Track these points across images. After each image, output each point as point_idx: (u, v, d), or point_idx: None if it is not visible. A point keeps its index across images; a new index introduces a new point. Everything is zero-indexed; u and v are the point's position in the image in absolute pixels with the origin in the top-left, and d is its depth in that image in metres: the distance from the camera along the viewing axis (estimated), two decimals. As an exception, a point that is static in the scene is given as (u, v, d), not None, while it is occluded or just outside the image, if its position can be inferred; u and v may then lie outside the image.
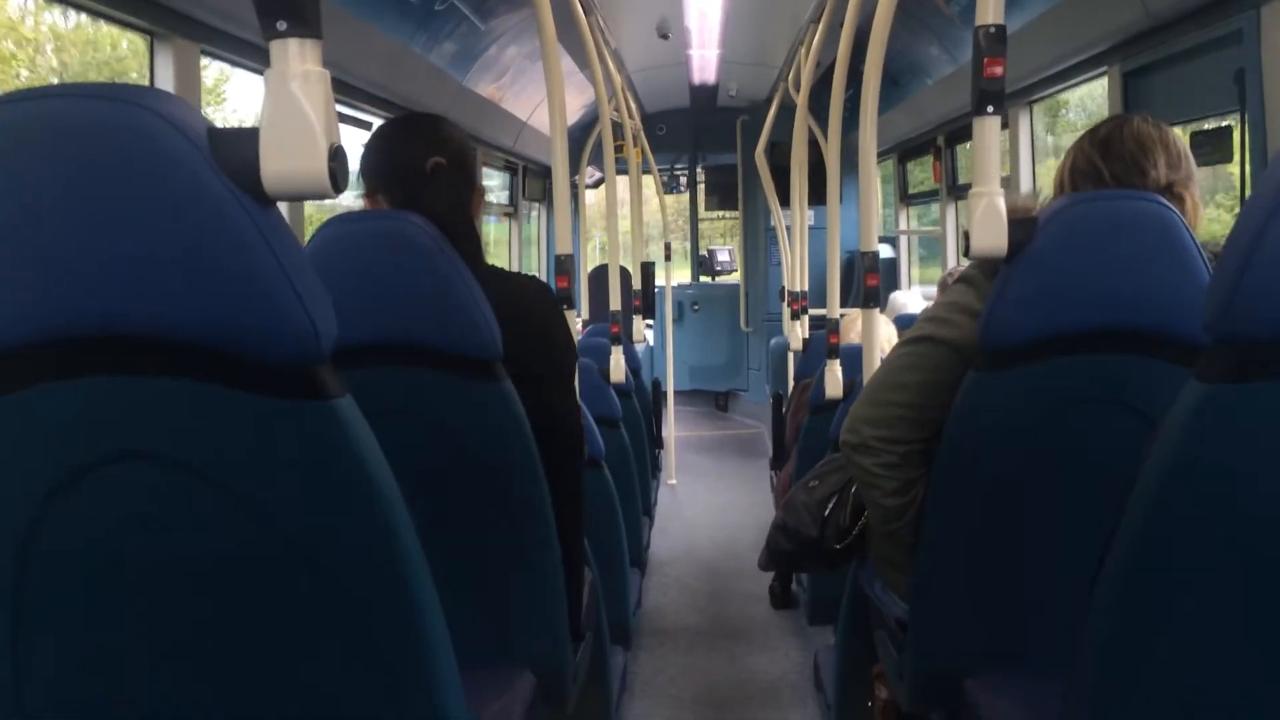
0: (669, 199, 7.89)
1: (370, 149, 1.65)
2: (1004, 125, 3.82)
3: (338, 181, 0.83)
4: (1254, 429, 0.78)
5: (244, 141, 0.82)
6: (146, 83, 2.25)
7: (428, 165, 1.60)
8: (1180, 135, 1.58)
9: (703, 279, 8.51)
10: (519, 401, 1.50)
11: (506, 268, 5.90)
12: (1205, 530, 0.82)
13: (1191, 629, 0.85)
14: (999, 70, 1.40)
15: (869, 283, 2.51)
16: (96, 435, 0.86)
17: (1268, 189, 0.76)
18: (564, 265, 2.35)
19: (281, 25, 0.82)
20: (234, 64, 2.64)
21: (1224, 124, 2.45)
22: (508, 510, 1.56)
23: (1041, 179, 3.94)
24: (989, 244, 1.38)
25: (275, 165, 0.82)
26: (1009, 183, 3.85)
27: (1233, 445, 0.79)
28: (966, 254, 1.41)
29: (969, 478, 1.48)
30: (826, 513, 1.91)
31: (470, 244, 1.63)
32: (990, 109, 1.43)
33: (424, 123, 1.69)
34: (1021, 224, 1.37)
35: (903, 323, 3.54)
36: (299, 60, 0.83)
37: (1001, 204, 1.39)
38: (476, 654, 1.55)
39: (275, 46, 0.83)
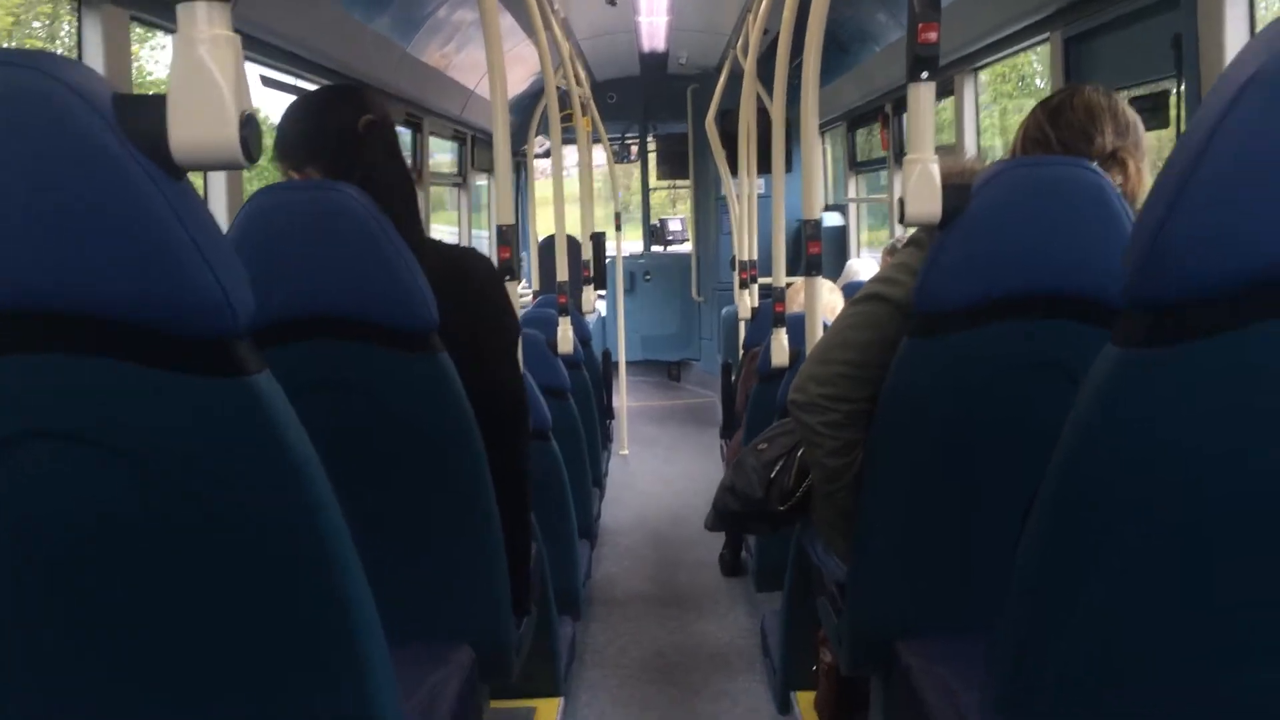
0: (619, 168, 7.85)
1: (293, 119, 1.60)
2: (950, 92, 3.84)
3: (250, 150, 0.81)
4: (1166, 393, 0.79)
5: (151, 109, 0.79)
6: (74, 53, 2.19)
7: (360, 124, 1.57)
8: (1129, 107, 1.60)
9: (654, 249, 8.50)
10: (456, 373, 1.49)
11: (456, 237, 5.83)
12: (1120, 494, 0.83)
13: (1108, 591, 0.86)
14: (933, 35, 1.40)
15: (811, 250, 2.51)
16: (4, 414, 0.84)
17: (1182, 155, 0.76)
18: (505, 236, 2.33)
19: None
20: (168, 31, 2.57)
21: (1162, 90, 2.47)
22: (446, 483, 1.55)
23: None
24: (923, 211, 1.38)
25: (184, 133, 0.79)
26: (955, 149, 3.87)
27: (1146, 409, 0.80)
28: (902, 221, 1.41)
29: (903, 442, 1.49)
30: (773, 475, 1.93)
31: (408, 214, 1.60)
32: (925, 75, 1.42)
33: (347, 88, 1.67)
34: (956, 190, 1.38)
35: (850, 290, 3.56)
36: (207, 24, 0.80)
37: (936, 171, 1.39)
38: (415, 630, 1.54)
39: (182, 10, 0.80)
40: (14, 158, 0.77)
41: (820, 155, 6.37)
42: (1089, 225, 1.35)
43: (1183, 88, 2.32)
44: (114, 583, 0.92)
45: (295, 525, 0.90)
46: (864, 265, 4.48)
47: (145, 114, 0.79)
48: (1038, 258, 1.36)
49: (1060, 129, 1.58)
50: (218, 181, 2.72)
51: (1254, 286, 0.74)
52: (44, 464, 0.86)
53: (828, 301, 3.08)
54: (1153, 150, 1.65)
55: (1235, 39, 2.11)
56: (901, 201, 1.39)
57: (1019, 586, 0.92)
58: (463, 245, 1.79)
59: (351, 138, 1.57)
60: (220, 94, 0.79)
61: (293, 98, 1.69)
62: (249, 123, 0.81)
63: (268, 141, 1.49)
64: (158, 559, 0.91)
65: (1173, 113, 2.40)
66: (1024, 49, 3.28)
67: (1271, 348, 0.76)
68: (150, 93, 0.81)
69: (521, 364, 2.24)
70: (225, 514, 0.89)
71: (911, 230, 1.57)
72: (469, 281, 1.65)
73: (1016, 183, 1.37)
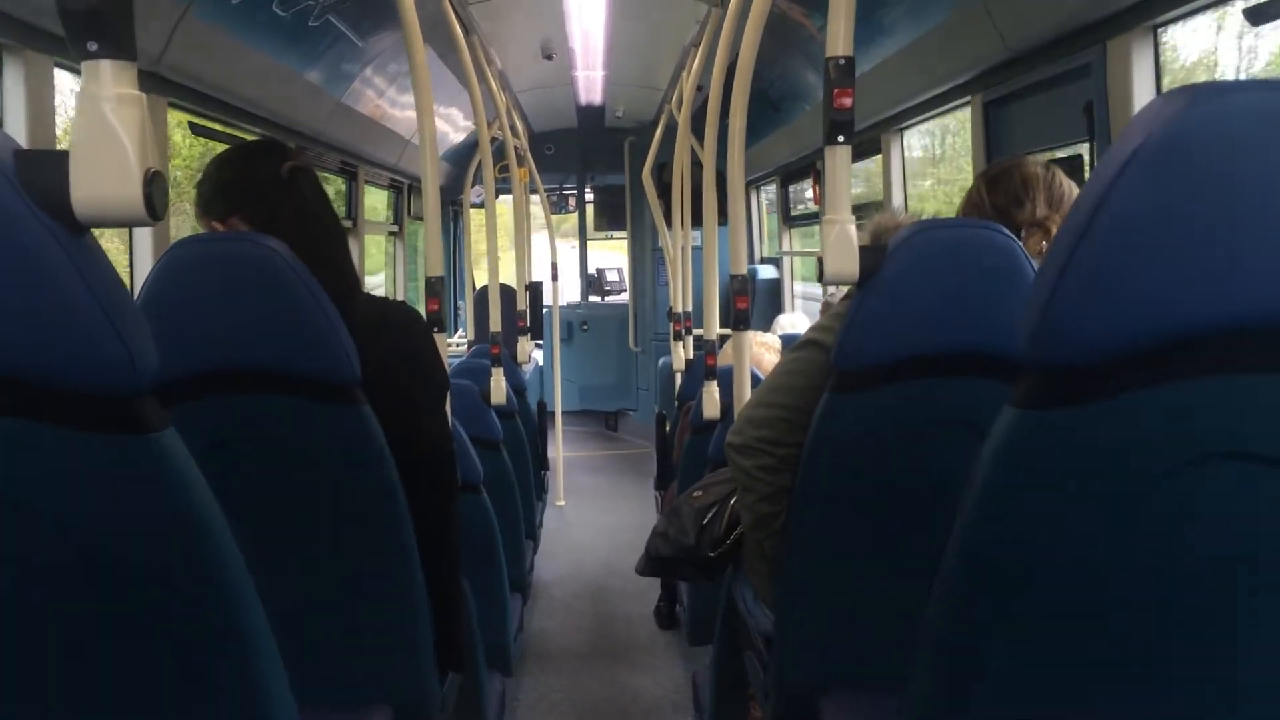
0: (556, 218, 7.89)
1: (214, 173, 1.59)
2: (876, 150, 3.93)
3: (154, 208, 0.80)
4: (1060, 455, 0.81)
5: (53, 165, 0.78)
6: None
7: (284, 170, 1.57)
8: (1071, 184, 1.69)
9: (591, 298, 8.52)
10: (378, 426, 1.47)
11: (390, 285, 5.78)
12: (1019, 554, 0.84)
13: (1011, 653, 0.87)
14: (848, 101, 1.44)
15: (738, 305, 2.54)
16: None
17: (1072, 225, 0.79)
18: (434, 288, 2.32)
19: (93, 46, 0.79)
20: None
21: (1075, 154, 2.56)
22: (367, 537, 1.53)
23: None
24: (842, 270, 1.41)
25: (86, 190, 0.78)
26: (883, 206, 3.95)
27: (1041, 469, 0.82)
28: (820, 279, 1.44)
29: (825, 493, 1.51)
30: (705, 521, 1.94)
31: (338, 261, 1.60)
32: (841, 139, 1.46)
33: (268, 141, 1.67)
34: (872, 251, 1.41)
35: (786, 342, 3.60)
36: (112, 82, 0.80)
37: (853, 231, 1.43)
38: (332, 690, 1.51)
39: (87, 68, 0.80)
40: None
41: (747, 211, 6.47)
42: (998, 285, 1.39)
43: (1095, 151, 2.40)
44: (8, 644, 0.89)
45: (198, 583, 0.88)
46: (794, 319, 4.53)
47: (46, 169, 0.78)
48: (948, 317, 1.39)
49: (995, 195, 1.68)
50: (143, 233, 2.69)
51: (1141, 353, 0.77)
52: None
53: (758, 355, 3.12)
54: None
55: (1142, 106, 2.19)
56: (820, 260, 1.42)
57: (923, 647, 0.93)
58: (393, 299, 1.78)
59: (276, 184, 1.56)
60: (124, 151, 0.79)
61: (223, 145, 1.69)
62: (154, 179, 0.80)
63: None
64: (55, 619, 0.88)
65: (1086, 176, 2.48)
66: (947, 111, 3.38)
67: (1157, 412, 0.78)
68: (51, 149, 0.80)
69: (451, 415, 2.22)
70: (125, 572, 0.87)
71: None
72: (396, 334, 1.64)
73: (929, 244, 1.40)
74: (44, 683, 0.91)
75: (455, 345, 6.91)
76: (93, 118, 0.79)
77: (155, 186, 0.80)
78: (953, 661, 0.91)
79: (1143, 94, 2.20)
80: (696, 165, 4.79)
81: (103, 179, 0.78)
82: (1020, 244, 1.41)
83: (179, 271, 1.38)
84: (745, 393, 2.48)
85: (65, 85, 2.31)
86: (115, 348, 0.80)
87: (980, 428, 1.41)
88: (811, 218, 5.85)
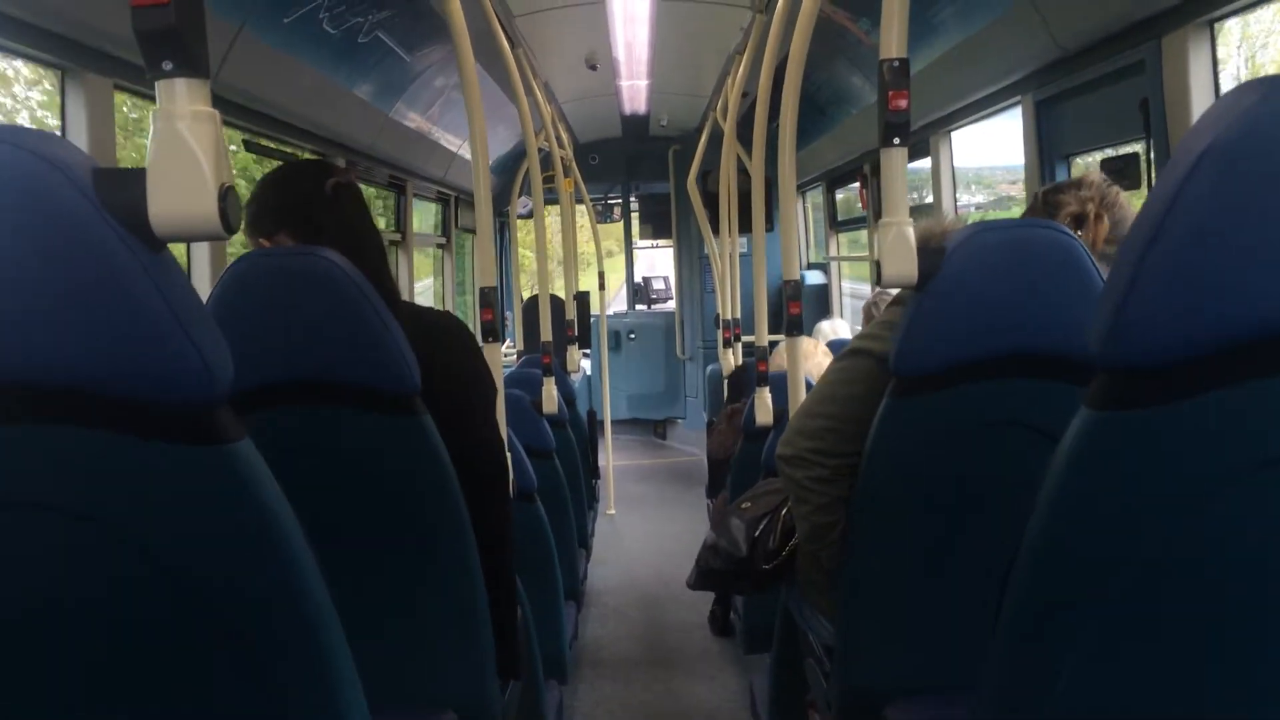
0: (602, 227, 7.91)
1: (261, 192, 1.64)
2: (925, 154, 3.90)
3: (229, 222, 0.82)
4: (1137, 456, 0.80)
5: (131, 182, 0.80)
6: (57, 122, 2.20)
7: (328, 186, 1.60)
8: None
9: (639, 307, 8.53)
10: (438, 435, 1.49)
11: (439, 296, 5.83)
12: (1092, 558, 0.83)
13: (1090, 656, 0.86)
14: (903, 103, 1.43)
15: (791, 310, 2.53)
16: None
17: (1147, 218, 0.78)
18: (488, 297, 2.34)
19: (168, 65, 0.81)
20: (151, 99, 2.59)
21: (1131, 152, 2.52)
22: (429, 546, 1.54)
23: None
24: (900, 273, 1.40)
25: (163, 206, 0.80)
26: (934, 209, 3.92)
27: (1117, 471, 0.81)
28: (878, 283, 1.43)
29: (886, 501, 1.49)
30: (757, 533, 1.93)
31: (381, 274, 1.62)
32: (896, 140, 1.45)
33: (311, 161, 1.70)
34: (931, 253, 1.40)
35: (836, 348, 3.57)
36: (186, 100, 0.82)
37: (911, 233, 1.42)
38: (399, 696, 1.52)
39: (162, 87, 0.82)
40: None
41: (797, 216, 6.44)
42: (1058, 284, 1.37)
43: (1151, 149, 2.37)
44: (85, 654, 0.91)
45: (276, 592, 0.90)
46: (836, 325, 4.50)
47: (124, 187, 0.80)
48: (1010, 319, 1.38)
49: (1048, 195, 1.71)
50: (200, 249, 2.74)
51: (1218, 352, 0.76)
52: (18, 535, 0.85)
53: (817, 361, 3.09)
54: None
55: (1200, 101, 2.16)
56: (878, 263, 1.41)
57: (998, 651, 0.92)
58: (441, 309, 1.80)
59: (321, 200, 1.59)
60: (199, 167, 0.81)
61: (276, 162, 1.72)
62: (228, 195, 0.82)
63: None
64: (133, 628, 0.90)
65: (1142, 173, 2.44)
66: (997, 112, 3.34)
67: (1235, 412, 0.77)
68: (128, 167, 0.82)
69: (505, 425, 2.24)
70: (203, 582, 0.88)
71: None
72: (448, 346, 1.66)
73: (989, 245, 1.39)
74: (120, 694, 0.92)
75: (505, 355, 6.95)
76: (168, 135, 0.81)
77: (229, 201, 0.82)
78: (1027, 667, 0.90)
79: (1200, 90, 2.17)
80: (741, 172, 4.79)
81: (179, 194, 0.80)
82: (1081, 243, 1.39)
83: (242, 286, 1.40)
84: (800, 397, 2.47)
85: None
86: (193, 359, 0.81)
87: (1043, 430, 1.41)
88: (858, 222, 5.81)
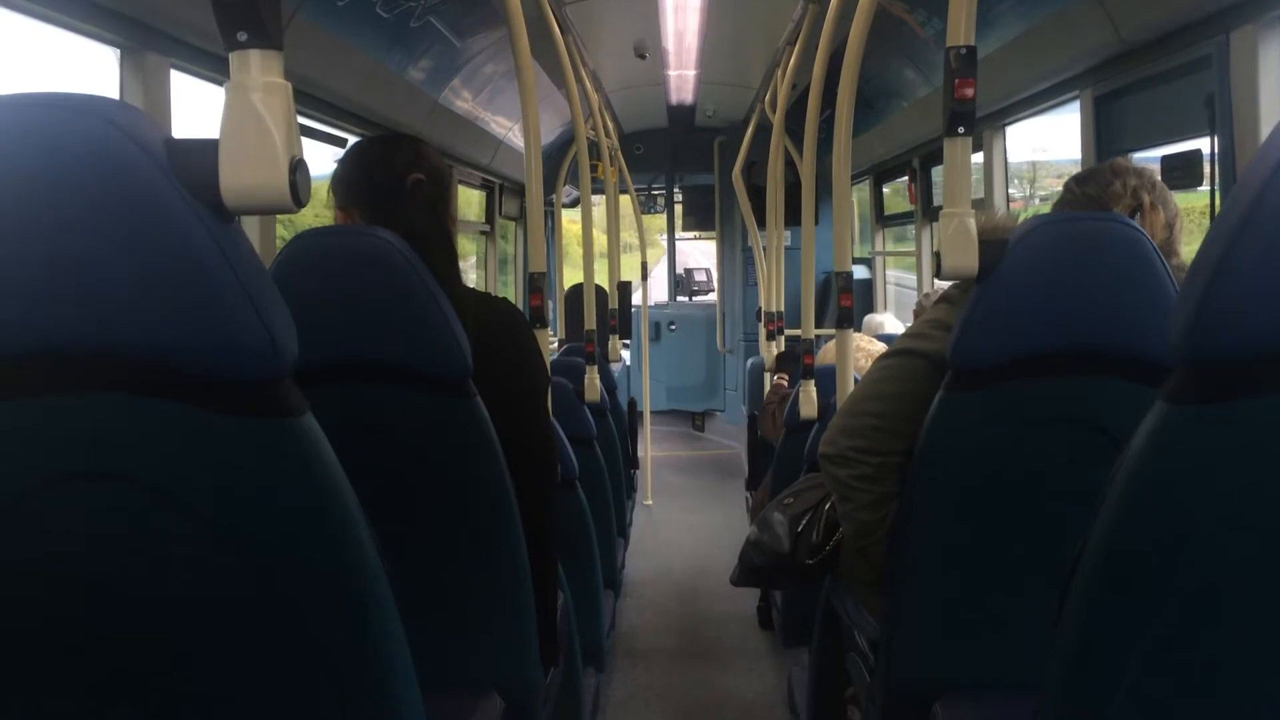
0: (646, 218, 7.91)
1: (347, 163, 1.64)
2: (978, 147, 3.85)
3: (299, 195, 0.82)
4: (1217, 451, 0.78)
5: (203, 154, 0.80)
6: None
7: (408, 180, 1.60)
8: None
9: (680, 299, 8.51)
10: (489, 420, 1.49)
11: (481, 284, 5.86)
12: (1168, 552, 0.81)
13: (1159, 652, 0.84)
14: (970, 91, 1.41)
15: (843, 303, 2.51)
16: (47, 455, 0.84)
17: (1233, 212, 0.76)
18: (537, 283, 2.34)
19: (242, 36, 0.81)
20: (207, 79, 2.61)
21: (1194, 149, 2.47)
22: (477, 529, 1.54)
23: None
24: (961, 264, 1.38)
25: (234, 178, 0.80)
26: (985, 203, 3.87)
27: (1195, 466, 0.79)
28: (938, 274, 1.41)
29: (939, 496, 1.47)
30: (800, 529, 1.91)
31: (446, 263, 1.62)
32: (961, 129, 1.43)
33: (405, 141, 1.68)
34: (992, 245, 1.38)
35: (886, 343, 3.53)
36: (260, 72, 0.81)
37: (973, 225, 1.40)
38: (443, 677, 1.52)
39: (235, 58, 0.82)
40: (66, 201, 0.78)
41: (850, 208, 6.41)
42: (1124, 280, 1.34)
43: (1215, 146, 2.32)
44: (144, 623, 0.91)
45: (333, 567, 0.90)
46: (884, 318, 4.45)
47: (197, 158, 0.80)
48: (1074, 313, 1.35)
49: (1087, 185, 1.64)
50: (250, 225, 2.76)
51: None
52: (85, 505, 0.86)
53: (870, 353, 3.06)
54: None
55: (1269, 98, 2.11)
56: (938, 255, 1.39)
57: (1063, 648, 0.90)
58: (497, 295, 1.80)
59: (396, 191, 1.59)
60: (272, 139, 0.81)
61: (323, 145, 1.73)
62: (298, 167, 0.82)
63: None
64: (192, 598, 0.90)
65: (1205, 171, 2.39)
66: (1053, 106, 3.29)
67: None
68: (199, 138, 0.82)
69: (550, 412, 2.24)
70: (262, 554, 0.88)
71: (942, 285, 1.58)
72: (504, 332, 1.65)
73: (1054, 237, 1.36)
74: (176, 663, 0.93)
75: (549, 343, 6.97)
76: (241, 106, 0.81)
77: (300, 174, 0.82)
78: (1094, 664, 0.88)
79: (1269, 87, 2.12)
80: (788, 164, 4.75)
81: (250, 167, 0.80)
82: (1148, 236, 1.36)
83: (298, 264, 1.41)
84: (848, 390, 2.45)
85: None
86: (260, 333, 0.82)
87: (1102, 427, 1.38)
88: (905, 217, 5.76)
